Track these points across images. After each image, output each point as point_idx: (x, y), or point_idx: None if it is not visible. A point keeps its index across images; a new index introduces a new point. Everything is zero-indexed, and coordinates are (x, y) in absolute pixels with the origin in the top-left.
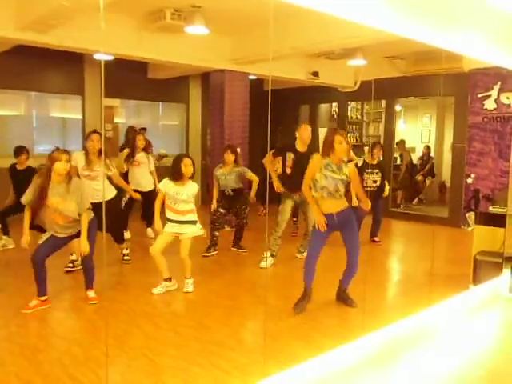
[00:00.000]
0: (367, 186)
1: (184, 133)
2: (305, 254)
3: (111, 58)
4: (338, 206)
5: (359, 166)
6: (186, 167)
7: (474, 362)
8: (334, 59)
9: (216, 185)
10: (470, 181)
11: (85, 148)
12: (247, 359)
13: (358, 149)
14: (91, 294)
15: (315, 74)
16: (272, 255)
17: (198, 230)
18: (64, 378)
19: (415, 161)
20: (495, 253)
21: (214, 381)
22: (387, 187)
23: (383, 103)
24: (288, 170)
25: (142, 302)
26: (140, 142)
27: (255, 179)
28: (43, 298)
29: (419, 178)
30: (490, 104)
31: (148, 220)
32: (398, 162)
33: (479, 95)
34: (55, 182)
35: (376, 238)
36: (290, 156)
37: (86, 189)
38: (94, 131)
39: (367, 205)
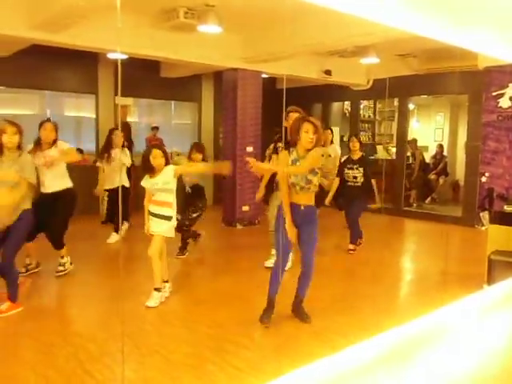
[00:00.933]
0: (348, 181)
1: (196, 132)
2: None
3: (125, 57)
4: (305, 200)
5: (342, 161)
6: (155, 159)
7: (488, 362)
8: (347, 57)
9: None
10: (484, 180)
11: (38, 138)
12: (261, 357)
13: (370, 147)
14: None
15: (328, 72)
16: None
17: (170, 229)
18: (79, 374)
19: (428, 160)
20: (510, 252)
21: (227, 378)
22: (374, 186)
23: (396, 101)
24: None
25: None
26: (117, 139)
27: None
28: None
29: (432, 176)
30: (504, 102)
31: (114, 222)
32: (411, 160)
33: (494, 93)
34: (5, 156)
35: (350, 246)
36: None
37: (41, 177)
38: (48, 120)
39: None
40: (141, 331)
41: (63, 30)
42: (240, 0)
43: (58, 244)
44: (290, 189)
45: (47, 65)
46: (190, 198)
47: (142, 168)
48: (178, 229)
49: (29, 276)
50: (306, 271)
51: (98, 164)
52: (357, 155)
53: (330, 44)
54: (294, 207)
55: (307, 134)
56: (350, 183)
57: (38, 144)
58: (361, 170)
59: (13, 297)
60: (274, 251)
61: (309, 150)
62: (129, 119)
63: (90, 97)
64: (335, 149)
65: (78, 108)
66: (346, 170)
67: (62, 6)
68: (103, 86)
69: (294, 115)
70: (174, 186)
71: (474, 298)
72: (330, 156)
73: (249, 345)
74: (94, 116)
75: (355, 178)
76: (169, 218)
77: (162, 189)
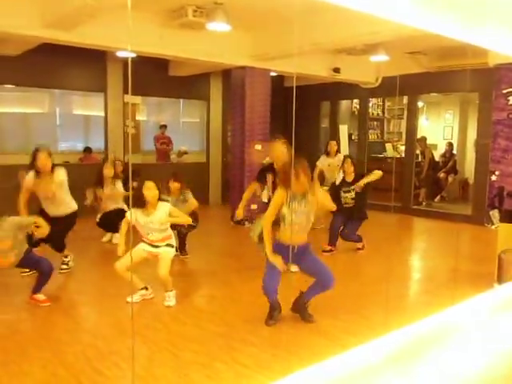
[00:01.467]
0: (346, 203)
1: (205, 130)
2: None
3: (134, 55)
4: (299, 239)
5: (336, 184)
6: (150, 190)
7: (498, 361)
8: (356, 55)
9: None
10: (494, 178)
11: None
12: (269, 355)
13: (379, 145)
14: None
15: (337, 70)
16: None
17: (173, 251)
18: (88, 371)
19: (437, 158)
20: None
21: (236, 376)
22: (377, 174)
23: (405, 99)
24: (265, 196)
25: (163, 297)
26: (107, 171)
27: (195, 204)
28: None
29: (441, 175)
30: None
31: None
32: (420, 159)
33: (504, 91)
34: None
35: (358, 245)
36: (270, 178)
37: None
38: (38, 149)
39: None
40: (149, 329)
41: (73, 29)
42: None
43: (59, 249)
44: (282, 228)
45: (56, 63)
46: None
47: (133, 203)
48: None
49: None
50: (324, 288)
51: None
52: (351, 177)
53: (340, 42)
54: (287, 248)
55: (298, 181)
56: (347, 205)
57: (36, 172)
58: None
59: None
60: None
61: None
62: (138, 118)
63: (99, 95)
64: (340, 159)
65: (87, 106)
66: (343, 194)
67: (72, 5)
68: (112, 84)
69: (277, 145)
70: (169, 224)
71: (484, 296)
72: (328, 166)
73: (257, 343)
74: (102, 114)
75: (353, 199)
76: (171, 246)
77: (158, 229)
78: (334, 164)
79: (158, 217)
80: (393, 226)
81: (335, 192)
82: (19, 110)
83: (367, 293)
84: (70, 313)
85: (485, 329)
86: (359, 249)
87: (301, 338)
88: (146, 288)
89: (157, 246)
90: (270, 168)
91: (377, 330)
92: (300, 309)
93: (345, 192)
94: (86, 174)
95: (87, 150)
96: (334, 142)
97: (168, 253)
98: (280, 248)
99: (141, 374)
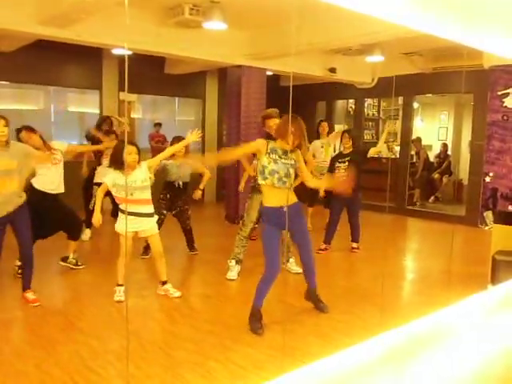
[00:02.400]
0: (340, 176)
1: (200, 128)
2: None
3: (130, 53)
4: (289, 198)
5: (332, 156)
6: (130, 155)
7: (492, 362)
8: (352, 55)
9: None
10: (488, 179)
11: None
12: (264, 355)
13: (374, 146)
14: (30, 295)
15: (332, 70)
16: (236, 260)
17: (156, 225)
18: (83, 370)
19: (432, 158)
20: None
21: (230, 376)
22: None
23: (400, 100)
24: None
25: (158, 296)
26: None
27: (207, 173)
28: None
29: (436, 176)
30: (510, 101)
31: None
32: (415, 159)
33: (499, 92)
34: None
35: (354, 245)
36: None
37: (44, 177)
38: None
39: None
40: (144, 328)
41: (69, 26)
42: None
43: (78, 234)
44: (267, 179)
45: (52, 60)
46: (180, 192)
47: (110, 161)
48: (188, 232)
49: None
50: (309, 270)
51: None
52: (349, 150)
53: (336, 42)
54: (275, 211)
55: (286, 136)
56: (342, 172)
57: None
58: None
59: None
60: (232, 262)
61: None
62: (132, 115)
63: (94, 92)
64: (334, 137)
65: (82, 103)
66: (337, 164)
67: (68, 1)
68: (107, 81)
69: (275, 121)
70: (149, 182)
71: (478, 297)
72: (321, 147)
73: (252, 342)
74: (97, 112)
75: (346, 171)
76: (152, 215)
77: (141, 187)
78: (327, 143)
79: (141, 175)
80: (387, 226)
81: (331, 163)
82: (14, 106)
83: (362, 293)
84: (64, 312)
85: (479, 329)
86: (354, 248)
87: (295, 338)
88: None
89: (140, 215)
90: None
91: (371, 330)
92: (312, 298)
93: (339, 162)
94: (80, 171)
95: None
96: (325, 123)
97: (153, 228)
98: (269, 212)
99: (135, 373)
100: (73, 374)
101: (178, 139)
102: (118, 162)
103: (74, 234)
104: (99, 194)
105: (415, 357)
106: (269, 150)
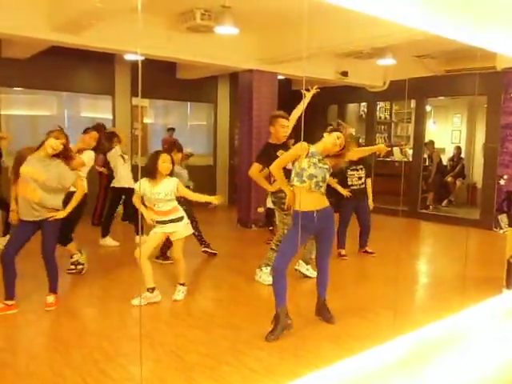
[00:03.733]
0: (352, 185)
1: (212, 133)
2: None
3: (142, 58)
4: (320, 203)
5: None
6: (164, 163)
7: (506, 367)
8: (363, 59)
9: None
10: (502, 182)
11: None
12: (276, 359)
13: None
14: (50, 299)
15: (344, 73)
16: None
17: (186, 227)
18: (95, 373)
19: (445, 162)
20: None
21: (242, 380)
22: (369, 185)
23: (413, 103)
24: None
25: (170, 299)
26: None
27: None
28: (10, 303)
29: (449, 179)
30: None
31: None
32: (427, 163)
33: None
34: (37, 155)
35: (368, 249)
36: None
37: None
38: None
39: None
40: (156, 331)
41: (82, 32)
42: (256, 1)
43: (64, 241)
44: (304, 183)
45: (65, 66)
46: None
47: (145, 170)
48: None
49: None
50: (325, 277)
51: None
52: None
53: (348, 45)
54: (307, 216)
55: (336, 144)
56: (355, 186)
57: None
58: (364, 170)
59: (55, 288)
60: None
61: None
62: (145, 120)
63: (107, 98)
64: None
65: (95, 109)
66: (350, 172)
67: (80, 8)
68: (120, 87)
69: (282, 121)
70: (174, 196)
71: (492, 302)
72: None
73: (264, 346)
74: (110, 117)
75: (360, 178)
76: (181, 219)
77: (164, 199)
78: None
79: (163, 189)
80: (400, 230)
81: (342, 173)
82: (28, 112)
83: (375, 297)
84: (77, 315)
85: (493, 334)
86: (368, 252)
87: (308, 342)
88: (153, 290)
89: (166, 222)
90: (278, 146)
91: (385, 334)
92: (321, 310)
93: (352, 170)
94: (93, 176)
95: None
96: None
97: (180, 232)
98: (303, 216)
99: (147, 376)
100: (85, 377)
101: (175, 145)
102: (151, 171)
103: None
104: (137, 201)
105: (429, 362)
106: (310, 154)
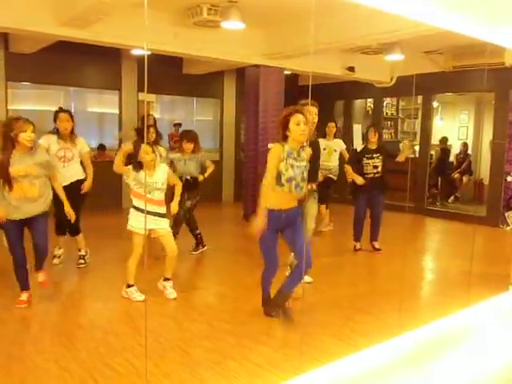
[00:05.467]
0: (367, 173)
1: (218, 128)
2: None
3: (149, 53)
4: (292, 202)
5: (358, 151)
6: (148, 155)
7: None
8: (371, 54)
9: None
10: (509, 179)
11: (55, 129)
12: (281, 354)
13: (392, 145)
14: (42, 276)
15: (351, 69)
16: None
17: (167, 224)
18: (100, 367)
19: (452, 158)
20: None
21: (247, 375)
22: (406, 147)
23: (420, 99)
24: None
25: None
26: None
27: (212, 166)
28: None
29: (456, 175)
30: None
31: None
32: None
33: None
34: (18, 153)
35: (376, 245)
36: None
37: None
38: (61, 110)
39: None
40: (162, 326)
41: (88, 27)
42: None
43: (75, 230)
44: (284, 186)
45: (72, 61)
46: (188, 186)
47: (130, 163)
48: (176, 221)
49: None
50: (296, 276)
51: None
52: (375, 145)
53: (355, 41)
54: (275, 215)
55: (299, 127)
56: (369, 175)
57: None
58: (381, 158)
59: (42, 265)
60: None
61: (302, 145)
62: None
63: (114, 93)
64: (340, 143)
65: (102, 104)
66: (365, 160)
67: (88, 3)
68: (126, 82)
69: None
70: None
71: (499, 299)
72: (324, 150)
73: (269, 342)
74: (117, 112)
75: (376, 167)
76: (165, 215)
77: (161, 188)
78: (330, 147)
79: (161, 177)
80: (407, 226)
81: (356, 158)
82: (35, 107)
83: (380, 293)
84: (83, 309)
85: (499, 331)
86: (376, 249)
87: (313, 338)
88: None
89: (158, 215)
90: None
91: (390, 330)
92: (276, 302)
93: (367, 158)
94: (99, 171)
95: (101, 147)
96: (332, 124)
97: (166, 229)
98: (274, 215)
99: (153, 370)
100: (91, 371)
101: (187, 134)
102: (136, 163)
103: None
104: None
105: (434, 359)
106: (286, 155)
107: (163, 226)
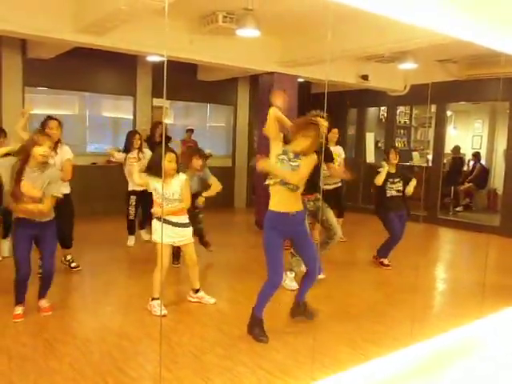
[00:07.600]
0: (392, 196)
1: (231, 134)
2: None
3: (165, 59)
4: (297, 206)
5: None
6: (171, 163)
7: None
8: (385, 62)
9: None
10: None
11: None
12: (292, 361)
13: (405, 154)
14: (46, 303)
15: (365, 77)
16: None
17: (191, 233)
18: (113, 371)
19: (465, 167)
20: None
21: (258, 381)
22: (413, 184)
23: (433, 108)
24: None
25: (188, 301)
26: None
27: (217, 184)
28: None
29: (467, 185)
30: None
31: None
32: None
33: None
34: (29, 168)
35: (385, 261)
36: None
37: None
38: (50, 117)
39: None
40: (174, 332)
41: (105, 34)
42: (278, 4)
43: (67, 243)
44: (272, 180)
45: (87, 67)
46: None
47: (149, 170)
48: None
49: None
50: (311, 281)
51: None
52: (394, 168)
53: (370, 49)
54: (282, 217)
55: (305, 139)
56: (394, 193)
57: None
58: (401, 182)
59: (45, 294)
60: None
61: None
62: (165, 121)
63: (128, 98)
64: (340, 151)
65: (116, 109)
66: (389, 185)
67: (105, 10)
68: (141, 87)
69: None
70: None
71: None
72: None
73: (280, 349)
74: (131, 117)
75: (399, 191)
76: (189, 225)
77: (178, 199)
78: (335, 154)
79: (178, 188)
80: (419, 235)
81: (381, 186)
82: (51, 112)
83: (392, 303)
84: (97, 313)
85: None
86: (383, 264)
87: (325, 346)
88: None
89: (182, 225)
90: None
91: (402, 340)
92: (300, 311)
93: (391, 183)
94: (112, 175)
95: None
96: (335, 130)
97: (190, 238)
98: (275, 217)
99: (165, 375)
100: (104, 375)
101: (199, 152)
102: (156, 170)
103: (62, 241)
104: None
105: (446, 369)
106: (281, 152)
107: (188, 237)
